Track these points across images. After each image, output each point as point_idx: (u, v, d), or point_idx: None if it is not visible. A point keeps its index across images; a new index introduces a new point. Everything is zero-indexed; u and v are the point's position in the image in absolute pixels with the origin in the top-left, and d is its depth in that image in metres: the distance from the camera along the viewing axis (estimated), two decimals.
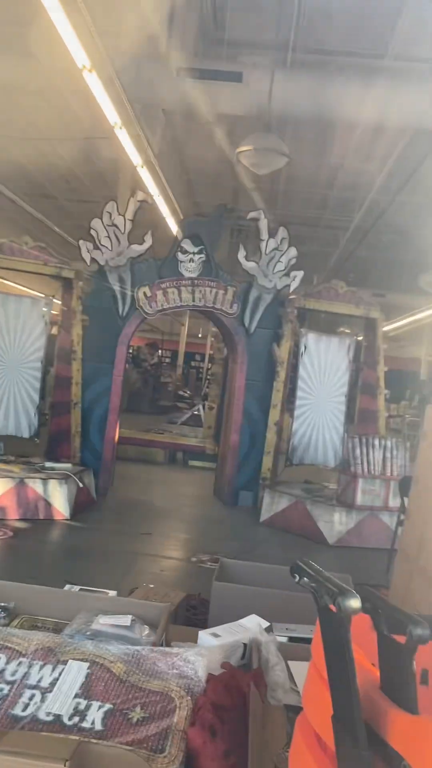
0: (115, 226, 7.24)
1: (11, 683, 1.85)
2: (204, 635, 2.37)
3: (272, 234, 7.68)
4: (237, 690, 1.97)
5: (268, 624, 2.51)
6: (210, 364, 19.75)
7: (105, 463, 7.48)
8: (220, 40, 7.75)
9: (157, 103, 7.93)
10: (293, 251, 7.71)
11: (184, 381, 24.22)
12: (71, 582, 3.10)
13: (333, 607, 1.06)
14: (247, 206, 10.00)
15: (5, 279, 12.62)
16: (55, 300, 7.53)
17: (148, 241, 7.33)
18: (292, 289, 7.79)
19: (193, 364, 27.91)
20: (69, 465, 6.84)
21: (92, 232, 7.23)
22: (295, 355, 7.81)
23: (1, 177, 11.47)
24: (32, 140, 9.98)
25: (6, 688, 1.83)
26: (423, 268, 13.90)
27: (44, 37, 5.77)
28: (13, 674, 1.88)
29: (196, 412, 14.11)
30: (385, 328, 9.27)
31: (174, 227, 10.56)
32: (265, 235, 7.66)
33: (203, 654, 2.07)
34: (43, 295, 7.59)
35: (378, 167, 9.93)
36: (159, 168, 9.37)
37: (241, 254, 7.68)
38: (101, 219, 7.24)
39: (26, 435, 7.11)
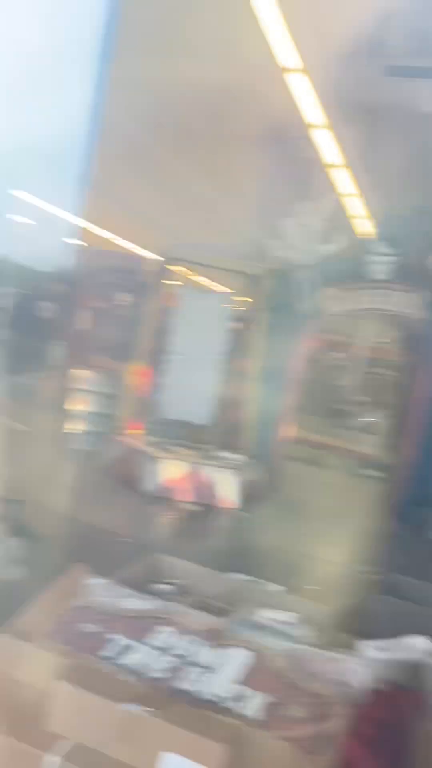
0: (306, 225, 7.23)
1: (180, 657, 1.93)
2: (367, 647, 2.30)
3: None
4: (399, 709, 1.90)
5: None
6: (392, 371, 19.04)
7: (275, 459, 7.53)
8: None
9: (361, 102, 7.79)
10: None
11: (362, 386, 23.61)
12: (237, 570, 3.16)
13: None
14: None
15: (193, 274, 13.13)
16: (237, 296, 7.72)
17: (339, 242, 7.24)
18: None
19: (373, 369, 27.11)
20: (241, 456, 6.99)
21: (282, 230, 7.29)
22: None
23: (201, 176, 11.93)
24: (233, 140, 10.26)
25: (176, 661, 1.92)
26: None
27: (253, 37, 5.91)
28: (182, 649, 1.96)
29: (372, 419, 13.69)
30: None
31: (366, 228, 10.33)
32: None
33: (366, 665, 2.01)
34: (228, 290, 7.81)
35: None
36: (356, 168, 9.20)
37: None
38: (293, 218, 7.26)
39: (200, 422, 7.37)
